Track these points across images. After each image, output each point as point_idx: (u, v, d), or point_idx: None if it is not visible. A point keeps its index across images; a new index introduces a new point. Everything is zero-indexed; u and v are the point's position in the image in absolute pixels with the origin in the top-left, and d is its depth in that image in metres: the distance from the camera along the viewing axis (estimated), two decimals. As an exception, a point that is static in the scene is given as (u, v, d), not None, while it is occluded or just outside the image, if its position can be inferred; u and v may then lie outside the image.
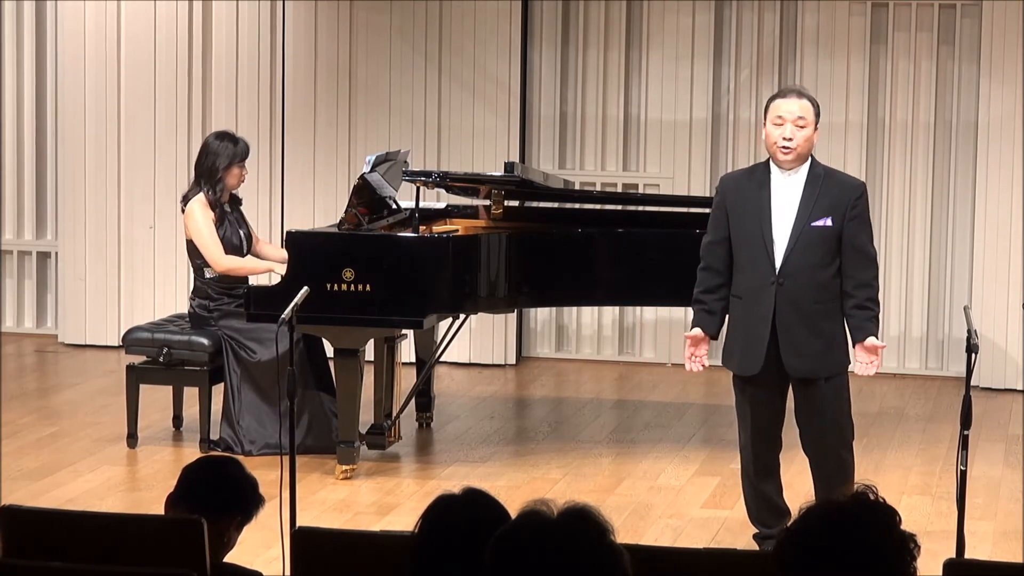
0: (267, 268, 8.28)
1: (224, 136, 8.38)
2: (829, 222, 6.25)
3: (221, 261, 8.18)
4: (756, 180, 6.37)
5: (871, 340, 6.26)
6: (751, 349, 6.30)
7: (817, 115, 6.37)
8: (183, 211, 8.31)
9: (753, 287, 6.29)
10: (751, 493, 6.56)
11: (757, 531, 6.58)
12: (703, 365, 6.47)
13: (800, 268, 6.25)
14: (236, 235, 8.31)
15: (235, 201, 8.40)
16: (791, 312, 6.25)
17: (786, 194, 6.30)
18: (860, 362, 6.33)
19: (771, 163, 6.37)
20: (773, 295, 6.25)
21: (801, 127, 6.28)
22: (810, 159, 6.36)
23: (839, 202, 6.28)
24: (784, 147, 6.27)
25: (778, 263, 6.26)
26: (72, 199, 10.69)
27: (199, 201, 8.21)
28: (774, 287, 6.25)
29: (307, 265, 7.65)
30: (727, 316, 6.47)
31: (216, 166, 8.22)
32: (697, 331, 6.44)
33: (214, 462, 4.68)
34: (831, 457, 6.43)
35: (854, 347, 6.34)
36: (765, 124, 6.36)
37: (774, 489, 6.53)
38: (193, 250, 8.29)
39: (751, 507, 6.59)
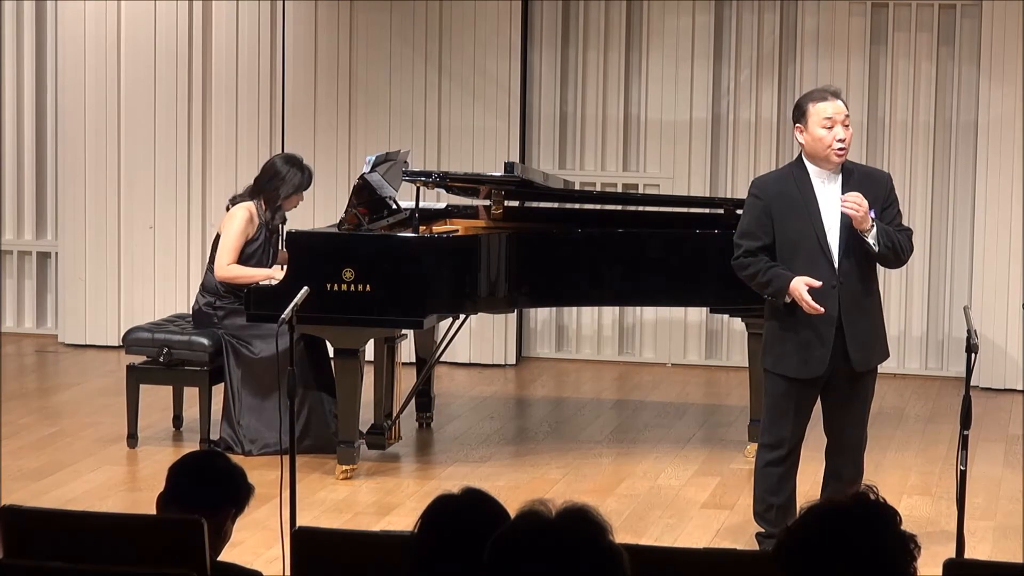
0: (265, 275, 8.19)
1: (293, 162, 8.31)
2: (873, 215, 6.31)
3: (223, 268, 8.16)
4: (797, 183, 6.37)
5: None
6: (817, 351, 6.31)
7: None
8: (227, 209, 8.30)
9: (815, 291, 6.25)
10: (768, 489, 6.50)
11: (760, 530, 6.57)
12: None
13: (855, 265, 6.32)
14: (267, 255, 8.27)
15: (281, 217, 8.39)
16: (853, 309, 6.32)
17: (829, 195, 6.35)
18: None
19: (806, 165, 6.39)
20: (837, 296, 6.28)
21: (847, 126, 6.37)
22: None
23: (876, 194, 6.37)
24: (840, 148, 6.34)
25: (836, 264, 6.30)
26: (72, 199, 10.69)
27: (246, 207, 8.19)
28: (836, 289, 6.28)
29: (307, 265, 7.65)
30: (776, 320, 6.42)
31: (279, 193, 8.21)
32: (807, 277, 6.23)
33: (199, 458, 4.66)
34: (863, 455, 6.51)
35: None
36: (804, 128, 6.35)
37: (794, 486, 6.52)
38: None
39: (761, 503, 6.52)
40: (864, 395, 6.46)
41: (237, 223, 8.18)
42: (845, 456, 6.50)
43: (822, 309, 6.21)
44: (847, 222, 6.30)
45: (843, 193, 6.32)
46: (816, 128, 6.34)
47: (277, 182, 8.23)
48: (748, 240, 6.40)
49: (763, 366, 6.53)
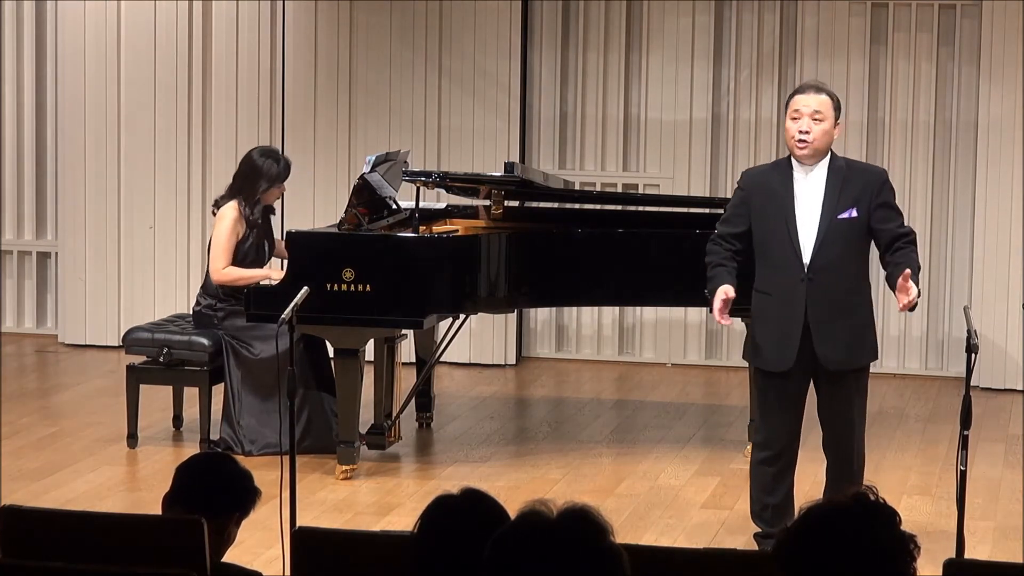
0: (263, 275, 8.19)
1: (269, 154, 8.32)
2: (855, 213, 6.30)
3: (219, 273, 8.15)
4: (779, 176, 6.39)
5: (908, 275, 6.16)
6: (784, 346, 6.31)
7: (837, 110, 6.40)
8: (214, 214, 8.29)
9: (783, 284, 6.28)
10: (762, 488, 6.51)
11: (758, 530, 6.57)
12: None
13: (829, 262, 6.29)
14: (261, 247, 8.26)
15: (267, 210, 8.37)
16: (823, 306, 6.28)
17: (809, 189, 6.34)
18: (902, 297, 6.17)
19: (791, 159, 6.40)
20: (804, 292, 6.27)
21: (818, 120, 6.32)
22: (830, 153, 6.40)
23: (863, 192, 6.34)
24: (801, 140, 6.32)
25: (806, 259, 6.29)
26: (72, 199, 10.69)
27: (233, 208, 8.18)
28: (804, 284, 6.28)
29: (307, 265, 7.65)
30: (753, 313, 6.45)
31: (257, 187, 8.20)
32: (730, 288, 6.29)
33: (208, 459, 4.66)
34: (854, 453, 6.47)
35: (895, 291, 6.21)
36: (786, 120, 6.40)
37: (790, 485, 6.52)
38: None
39: (757, 502, 6.54)
40: (846, 393, 6.39)
41: (227, 223, 8.16)
42: (836, 454, 6.50)
43: (726, 322, 6.26)
44: (828, 216, 6.29)
45: (827, 187, 6.31)
46: (787, 119, 6.38)
47: (255, 177, 8.22)
48: (722, 226, 6.49)
49: (746, 360, 6.57)
